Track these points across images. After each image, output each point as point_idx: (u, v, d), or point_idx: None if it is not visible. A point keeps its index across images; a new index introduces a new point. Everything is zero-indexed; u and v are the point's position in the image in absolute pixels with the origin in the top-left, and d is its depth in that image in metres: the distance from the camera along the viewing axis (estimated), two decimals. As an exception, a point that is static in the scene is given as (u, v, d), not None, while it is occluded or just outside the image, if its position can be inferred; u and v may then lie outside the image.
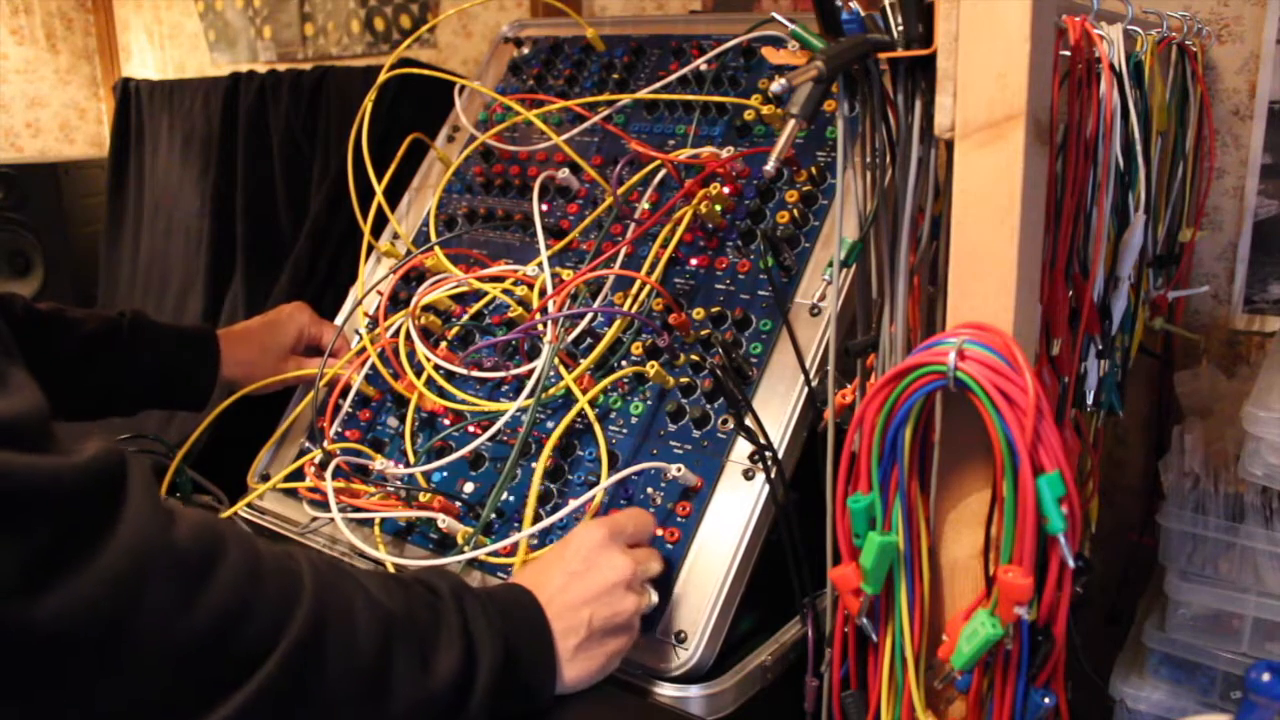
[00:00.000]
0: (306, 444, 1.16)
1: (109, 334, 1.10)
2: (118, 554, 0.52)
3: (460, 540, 0.93)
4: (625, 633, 0.78)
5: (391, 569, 0.92)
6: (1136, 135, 0.83)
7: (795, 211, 1.00)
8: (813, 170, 1.02)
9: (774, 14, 0.85)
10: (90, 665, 0.52)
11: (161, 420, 1.82)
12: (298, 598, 0.61)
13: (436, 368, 1.06)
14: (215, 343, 1.15)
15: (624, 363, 0.99)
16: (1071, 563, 0.59)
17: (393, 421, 1.11)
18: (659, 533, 0.88)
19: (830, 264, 0.91)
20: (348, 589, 0.65)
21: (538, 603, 0.75)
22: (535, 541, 0.92)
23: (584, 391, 0.96)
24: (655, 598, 0.83)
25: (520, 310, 1.05)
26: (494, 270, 1.12)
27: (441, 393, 1.04)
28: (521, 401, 0.97)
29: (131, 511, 0.54)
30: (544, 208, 1.13)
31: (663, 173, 1.07)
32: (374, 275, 1.25)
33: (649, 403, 0.97)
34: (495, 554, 0.91)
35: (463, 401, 1.03)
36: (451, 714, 0.67)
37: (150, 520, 0.55)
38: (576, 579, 0.76)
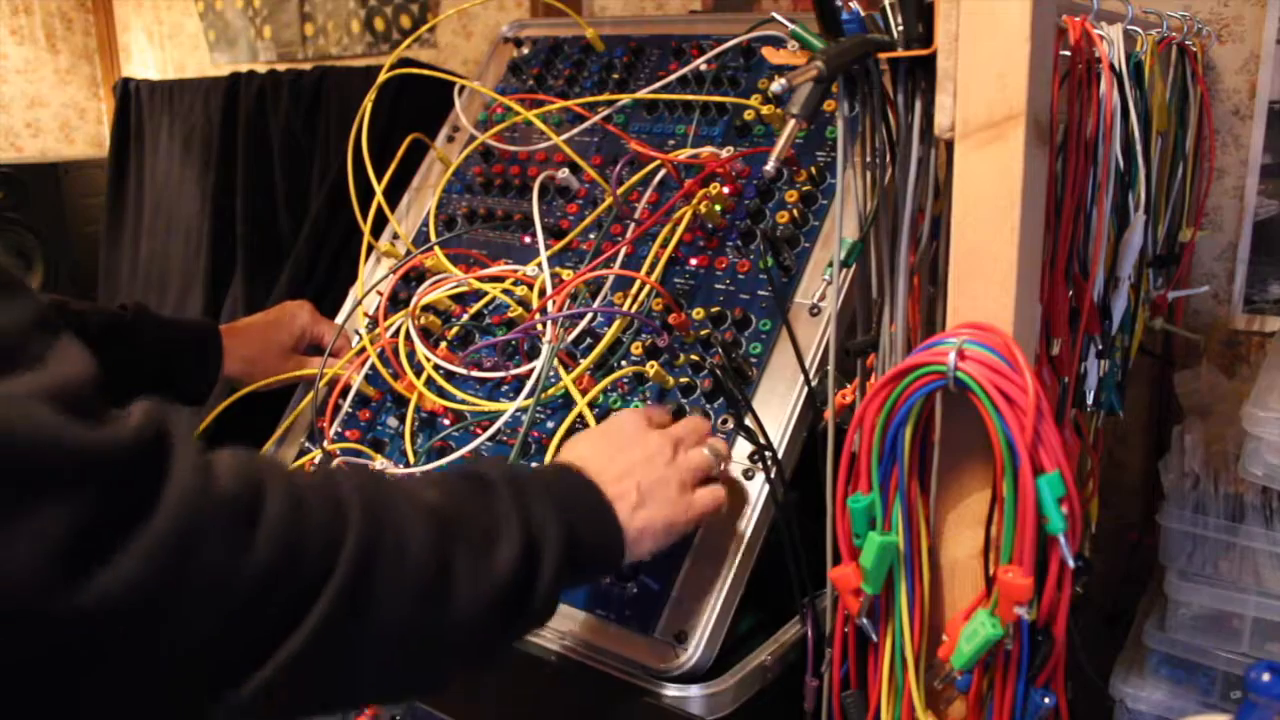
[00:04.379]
0: (306, 444, 1.16)
1: (112, 327, 1.09)
2: (166, 520, 0.52)
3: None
4: (679, 490, 0.80)
5: None
6: (1136, 135, 0.83)
7: (795, 211, 1.00)
8: (813, 170, 1.02)
9: (774, 14, 0.85)
10: (145, 628, 0.51)
11: (161, 420, 1.81)
12: (345, 523, 0.60)
13: (436, 368, 1.06)
14: (218, 337, 1.15)
15: (624, 363, 0.99)
16: (1071, 563, 0.59)
17: (393, 421, 1.11)
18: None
19: (830, 264, 0.91)
20: (396, 501, 0.64)
21: (588, 476, 0.76)
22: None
23: (584, 392, 0.96)
24: (724, 448, 0.86)
25: (520, 310, 1.05)
26: (494, 270, 1.12)
27: (441, 393, 1.04)
28: (521, 401, 0.97)
29: (176, 476, 0.53)
30: (544, 208, 1.13)
31: (663, 173, 1.07)
32: (374, 275, 1.25)
33: (649, 403, 0.96)
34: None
35: (463, 401, 1.03)
36: (518, 604, 0.66)
37: (194, 480, 0.54)
38: (619, 452, 0.79)
